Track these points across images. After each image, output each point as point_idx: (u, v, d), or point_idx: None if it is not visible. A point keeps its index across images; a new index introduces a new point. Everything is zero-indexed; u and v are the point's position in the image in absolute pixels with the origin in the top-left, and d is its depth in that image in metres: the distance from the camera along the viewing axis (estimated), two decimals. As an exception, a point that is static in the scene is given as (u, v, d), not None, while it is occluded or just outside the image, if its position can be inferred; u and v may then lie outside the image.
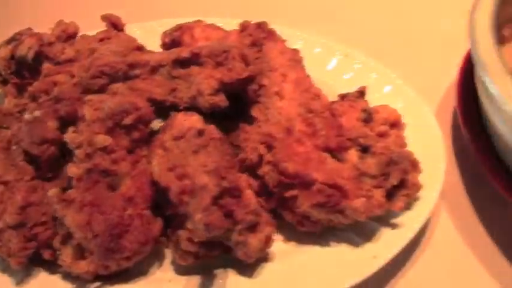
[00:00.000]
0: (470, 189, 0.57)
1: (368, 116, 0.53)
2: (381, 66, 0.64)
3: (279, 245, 0.51)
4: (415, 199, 0.52)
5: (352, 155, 0.50)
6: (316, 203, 0.48)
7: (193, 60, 0.53)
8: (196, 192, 0.46)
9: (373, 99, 0.59)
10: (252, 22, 0.63)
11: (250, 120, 0.56)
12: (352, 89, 0.60)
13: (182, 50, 0.54)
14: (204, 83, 0.51)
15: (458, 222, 0.55)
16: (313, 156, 0.50)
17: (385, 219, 0.51)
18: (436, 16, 0.74)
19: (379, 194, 0.48)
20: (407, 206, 0.51)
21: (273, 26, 0.65)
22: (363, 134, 0.51)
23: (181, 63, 0.53)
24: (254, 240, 0.46)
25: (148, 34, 0.65)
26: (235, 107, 0.56)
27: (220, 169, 0.47)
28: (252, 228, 0.47)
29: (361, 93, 0.56)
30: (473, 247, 0.53)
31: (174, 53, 0.54)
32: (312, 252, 0.50)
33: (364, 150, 0.50)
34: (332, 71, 0.65)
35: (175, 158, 0.49)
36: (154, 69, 0.54)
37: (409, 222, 0.50)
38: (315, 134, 0.51)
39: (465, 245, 0.53)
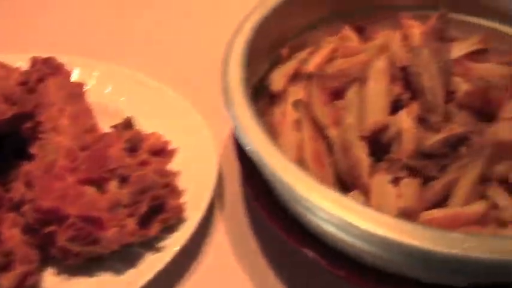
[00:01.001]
0: (249, 211, 0.60)
1: (133, 145, 0.55)
2: (170, 91, 0.66)
3: (50, 279, 0.52)
4: (182, 221, 0.54)
5: (113, 186, 0.52)
6: (70, 237, 0.49)
7: (-45, 104, 0.54)
8: None
9: (156, 125, 0.61)
10: (41, 57, 0.64)
11: (32, 158, 0.56)
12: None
13: None
14: (-39, 127, 0.52)
15: (235, 243, 0.57)
16: (70, 191, 0.51)
17: (151, 244, 0.53)
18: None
19: (132, 222, 0.50)
20: (174, 229, 0.54)
21: (69, 57, 0.66)
22: (123, 164, 0.53)
23: None
24: (5, 280, 0.47)
25: None
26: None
27: (-31, 213, 0.48)
28: (5, 267, 0.48)
29: (127, 123, 0.58)
30: (246, 268, 0.55)
31: None
32: (80, 284, 0.51)
33: (124, 180, 0.52)
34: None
35: None
36: None
37: (170, 245, 0.52)
38: (77, 168, 0.53)
39: (238, 267, 0.55)
